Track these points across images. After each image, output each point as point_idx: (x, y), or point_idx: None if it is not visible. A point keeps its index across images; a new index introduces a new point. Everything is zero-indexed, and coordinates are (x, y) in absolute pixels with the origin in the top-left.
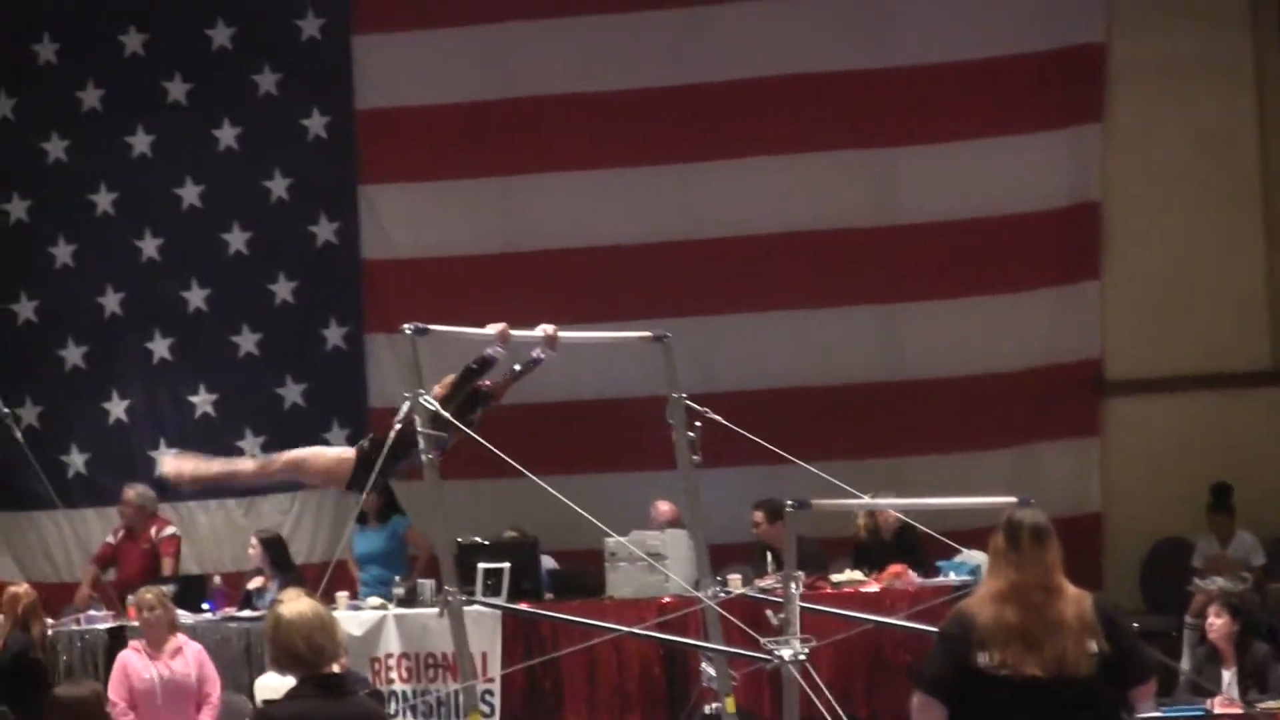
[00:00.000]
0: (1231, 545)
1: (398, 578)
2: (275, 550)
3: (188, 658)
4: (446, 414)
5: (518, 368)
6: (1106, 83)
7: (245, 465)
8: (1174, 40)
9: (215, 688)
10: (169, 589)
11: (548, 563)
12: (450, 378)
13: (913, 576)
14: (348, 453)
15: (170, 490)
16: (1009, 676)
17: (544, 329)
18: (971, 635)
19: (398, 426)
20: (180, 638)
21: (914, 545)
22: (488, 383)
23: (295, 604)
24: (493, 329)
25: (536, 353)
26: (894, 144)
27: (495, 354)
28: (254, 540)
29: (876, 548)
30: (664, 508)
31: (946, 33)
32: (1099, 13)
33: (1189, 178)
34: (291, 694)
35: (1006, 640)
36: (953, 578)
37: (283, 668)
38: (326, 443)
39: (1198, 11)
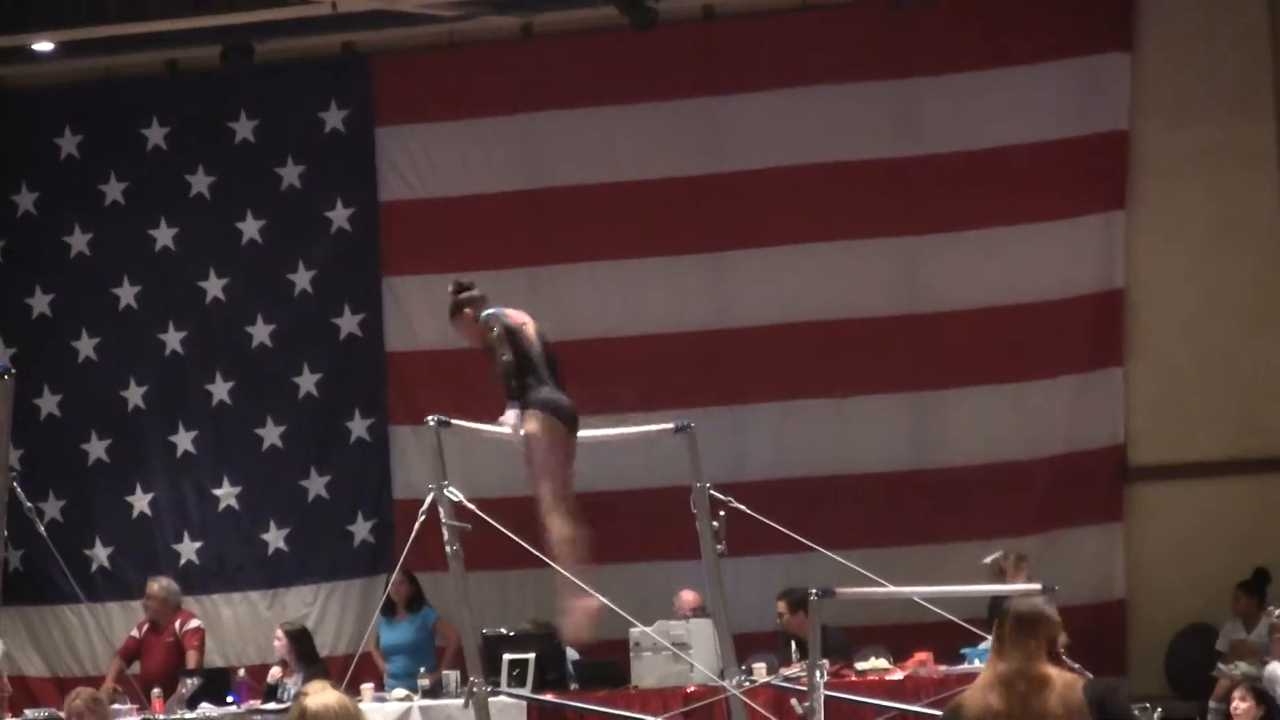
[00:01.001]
0: (1256, 630)
1: (424, 669)
2: (300, 643)
3: None
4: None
5: None
6: (1131, 170)
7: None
8: (1198, 128)
9: None
10: (193, 682)
11: (571, 653)
12: None
13: (935, 665)
14: None
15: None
16: None
17: None
18: None
19: (422, 517)
20: None
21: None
22: None
23: (321, 696)
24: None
25: None
26: (921, 232)
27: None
28: (279, 632)
29: None
30: (688, 597)
31: (972, 121)
32: (1123, 101)
33: (1212, 264)
34: None
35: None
36: (977, 665)
37: None
38: (351, 535)
39: (1221, 100)
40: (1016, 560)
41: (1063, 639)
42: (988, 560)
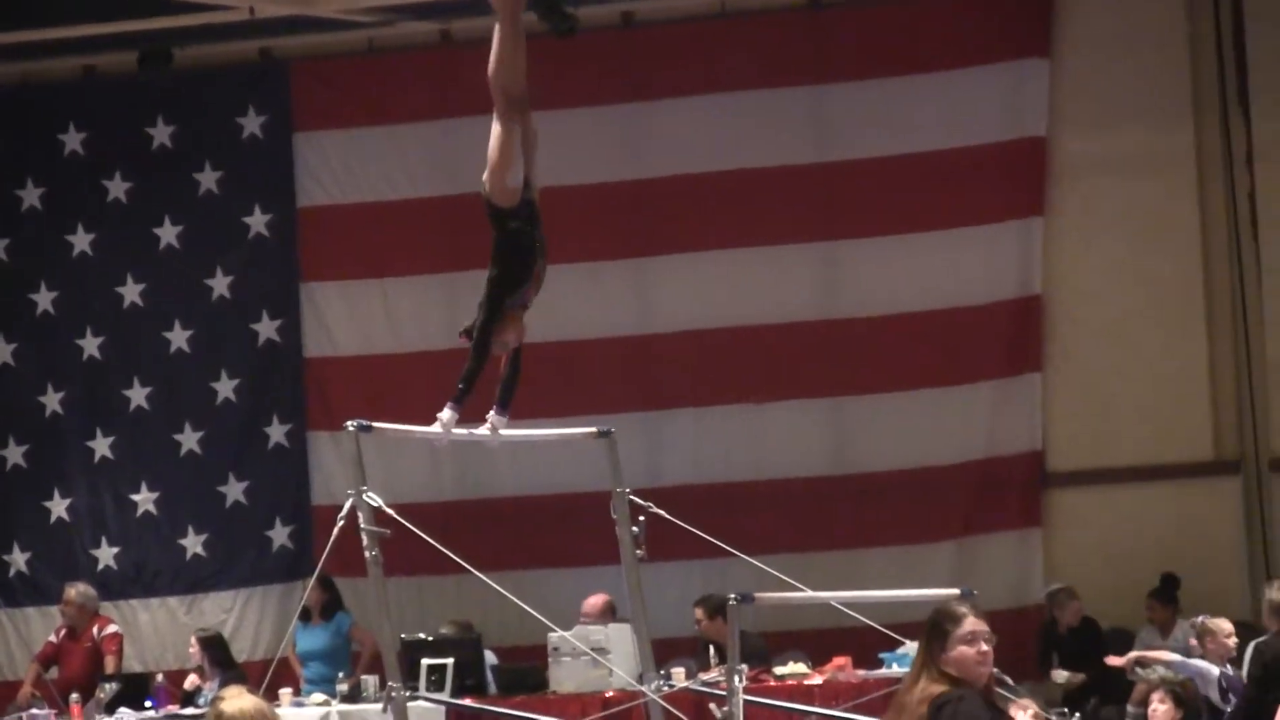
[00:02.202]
0: (1171, 636)
1: (341, 674)
2: (215, 649)
3: None
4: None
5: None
6: (1050, 176)
7: (512, 75)
8: (1116, 135)
9: None
10: (112, 687)
11: (490, 658)
12: None
13: (854, 670)
14: (516, 194)
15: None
16: None
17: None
18: None
19: (341, 522)
20: None
21: (1096, 639)
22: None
23: (237, 700)
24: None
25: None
26: (840, 237)
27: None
28: (194, 639)
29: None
30: (594, 600)
31: (892, 126)
32: (1042, 107)
33: (1130, 270)
34: None
35: None
36: (895, 669)
37: None
38: (270, 541)
39: (1139, 107)
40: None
41: (958, 648)
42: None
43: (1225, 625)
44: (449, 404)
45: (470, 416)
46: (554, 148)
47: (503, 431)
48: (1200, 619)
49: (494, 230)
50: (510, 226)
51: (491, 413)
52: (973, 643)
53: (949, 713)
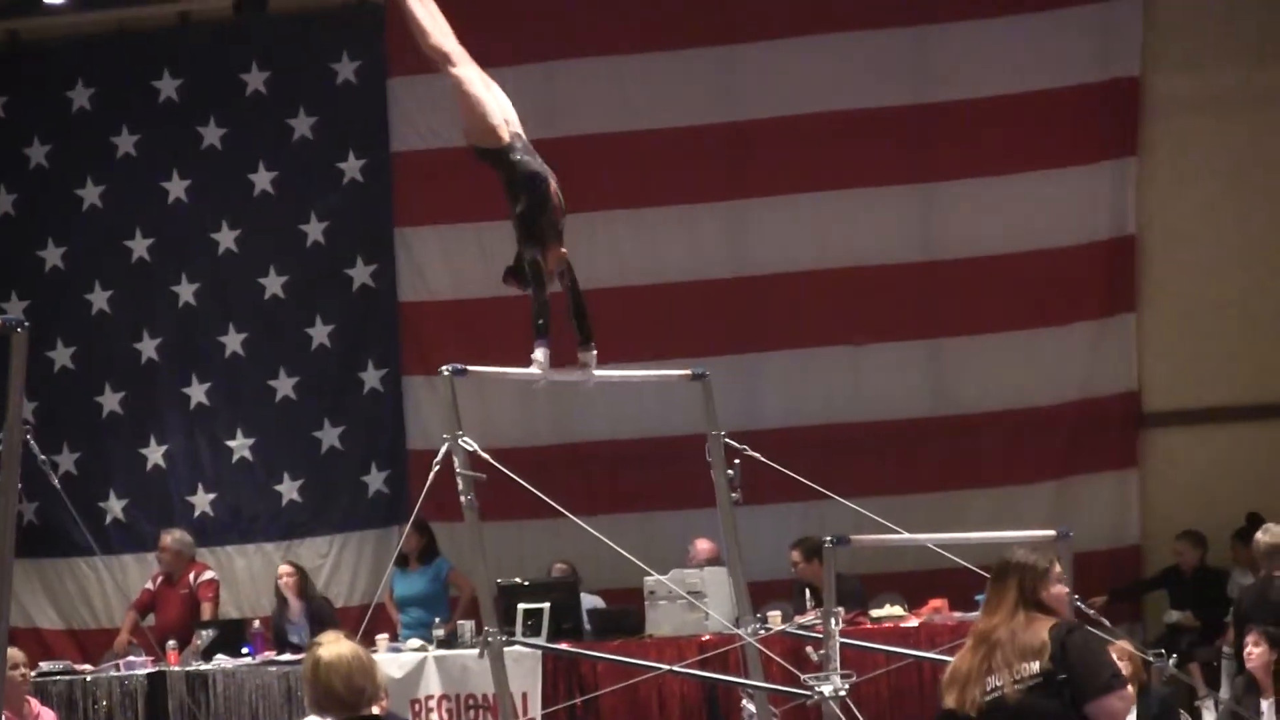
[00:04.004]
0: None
1: (438, 620)
2: (304, 580)
3: None
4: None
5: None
6: (1143, 116)
7: (439, 37)
8: (1208, 75)
9: None
10: (208, 633)
11: (593, 601)
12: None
13: (950, 612)
14: (503, 130)
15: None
16: (953, 710)
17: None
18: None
19: (437, 468)
20: (34, 703)
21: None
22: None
23: (334, 646)
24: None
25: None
26: (935, 179)
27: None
28: (286, 566)
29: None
30: (703, 545)
31: (986, 68)
32: (1135, 48)
33: (1224, 210)
34: None
35: (950, 679)
36: None
37: (322, 710)
38: (365, 486)
39: (1230, 47)
40: None
41: (1055, 586)
42: None
43: None
44: (536, 343)
45: (563, 362)
46: (648, 90)
47: (597, 373)
48: (1273, 528)
49: (499, 171)
50: (511, 159)
51: (580, 353)
52: (1062, 582)
53: (1080, 636)
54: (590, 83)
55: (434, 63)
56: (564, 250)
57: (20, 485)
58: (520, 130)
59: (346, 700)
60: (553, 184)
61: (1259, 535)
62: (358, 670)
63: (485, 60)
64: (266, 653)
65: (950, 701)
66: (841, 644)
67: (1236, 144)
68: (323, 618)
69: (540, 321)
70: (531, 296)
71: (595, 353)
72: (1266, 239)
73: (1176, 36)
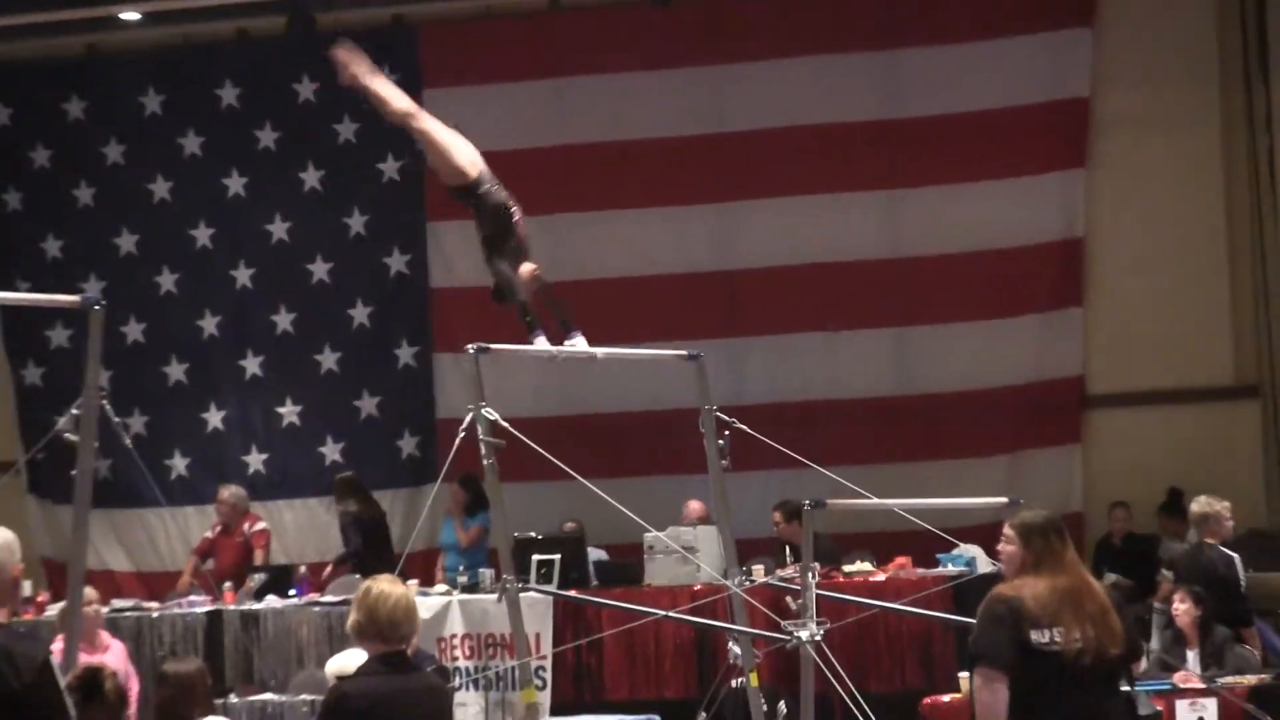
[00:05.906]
0: (1186, 540)
1: (461, 566)
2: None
3: (115, 654)
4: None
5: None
6: (1093, 131)
7: (398, 101)
8: (1150, 97)
9: (135, 683)
10: (260, 577)
11: (598, 554)
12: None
13: (914, 568)
14: (470, 169)
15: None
16: (1060, 651)
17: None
18: (1022, 616)
19: (462, 434)
20: (105, 635)
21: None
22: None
23: (387, 582)
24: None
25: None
26: (902, 185)
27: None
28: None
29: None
30: (695, 506)
31: (950, 87)
32: (1085, 70)
33: (1162, 216)
34: (362, 670)
35: (1055, 619)
36: (950, 569)
37: (361, 634)
38: (399, 450)
39: (1171, 72)
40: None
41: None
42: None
43: (1224, 510)
44: (531, 337)
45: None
46: (648, 104)
47: (602, 351)
48: (1202, 499)
49: (470, 203)
50: (479, 192)
51: (566, 342)
52: (1011, 543)
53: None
54: (592, 97)
55: (410, 116)
56: (534, 267)
57: (96, 444)
58: (485, 168)
59: (385, 631)
60: (518, 214)
61: (1193, 506)
62: (402, 608)
63: (506, 77)
64: (311, 595)
65: (1075, 641)
66: (817, 595)
67: (1174, 158)
68: None
69: (527, 319)
70: (515, 305)
71: (581, 336)
72: (1198, 242)
73: (1122, 62)
